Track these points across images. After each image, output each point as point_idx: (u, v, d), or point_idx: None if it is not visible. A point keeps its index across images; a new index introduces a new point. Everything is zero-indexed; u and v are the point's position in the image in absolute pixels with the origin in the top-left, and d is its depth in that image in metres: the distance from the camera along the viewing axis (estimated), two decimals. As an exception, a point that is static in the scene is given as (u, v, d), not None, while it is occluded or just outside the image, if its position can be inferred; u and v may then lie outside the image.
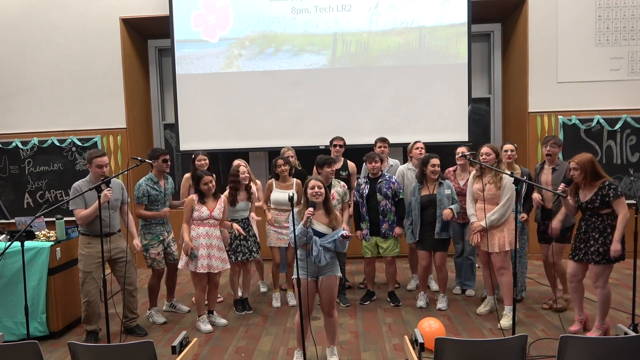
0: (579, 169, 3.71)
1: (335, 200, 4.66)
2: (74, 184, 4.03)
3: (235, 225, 4.46)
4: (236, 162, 4.81)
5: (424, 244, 4.65)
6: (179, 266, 4.31)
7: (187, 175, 4.98)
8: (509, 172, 3.99)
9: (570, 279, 3.95)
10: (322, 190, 3.45)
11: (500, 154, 4.25)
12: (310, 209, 3.35)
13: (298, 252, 3.40)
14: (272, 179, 4.91)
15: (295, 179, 4.90)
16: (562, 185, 3.81)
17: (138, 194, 4.38)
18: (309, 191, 3.44)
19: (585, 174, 3.70)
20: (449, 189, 4.56)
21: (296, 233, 3.34)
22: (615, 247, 3.62)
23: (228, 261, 4.40)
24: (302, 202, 3.58)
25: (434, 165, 4.54)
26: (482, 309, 4.52)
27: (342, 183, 4.85)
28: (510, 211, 4.15)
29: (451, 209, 4.46)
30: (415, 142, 5.18)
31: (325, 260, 3.39)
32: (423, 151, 5.07)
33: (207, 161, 4.90)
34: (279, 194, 4.77)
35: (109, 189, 3.80)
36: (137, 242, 4.28)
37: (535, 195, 4.39)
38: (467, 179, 4.77)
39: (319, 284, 3.46)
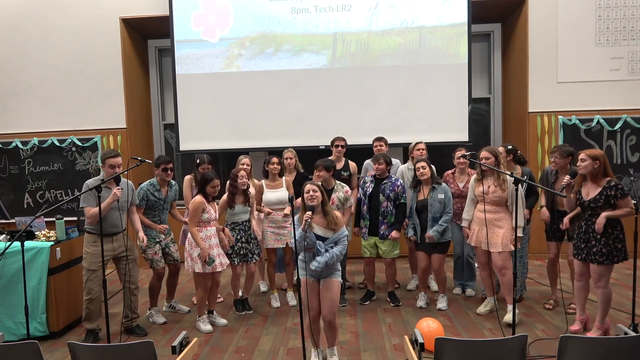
0: (587, 159, 3.66)
1: (335, 205, 4.63)
2: (86, 182, 4.06)
3: (227, 231, 4.50)
4: (241, 158, 4.89)
5: (422, 246, 4.65)
6: (196, 269, 4.23)
7: (189, 177, 4.97)
8: (509, 173, 3.98)
9: (578, 278, 3.94)
10: (318, 193, 3.43)
11: (499, 157, 4.25)
12: (309, 212, 3.36)
13: (301, 254, 3.41)
14: (262, 180, 4.91)
15: (284, 178, 4.92)
16: (567, 177, 3.77)
17: (137, 197, 4.39)
18: (305, 195, 3.45)
19: (600, 167, 3.64)
20: (443, 194, 4.55)
21: (297, 238, 3.34)
22: (600, 221, 3.61)
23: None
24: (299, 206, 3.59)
25: (418, 169, 4.58)
26: (482, 309, 4.53)
27: (346, 188, 4.78)
28: (524, 208, 4.23)
29: (431, 235, 4.51)
30: (417, 143, 5.16)
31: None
32: (424, 152, 5.07)
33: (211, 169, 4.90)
34: (270, 194, 4.80)
35: (119, 188, 3.86)
36: (142, 234, 4.25)
37: (544, 212, 4.44)
38: (466, 181, 4.79)
39: (321, 287, 3.46)
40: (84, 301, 4.11)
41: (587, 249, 3.77)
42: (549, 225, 4.52)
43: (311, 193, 3.42)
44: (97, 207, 3.91)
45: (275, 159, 4.80)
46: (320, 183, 3.83)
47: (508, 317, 4.16)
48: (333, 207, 4.64)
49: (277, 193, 4.81)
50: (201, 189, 4.28)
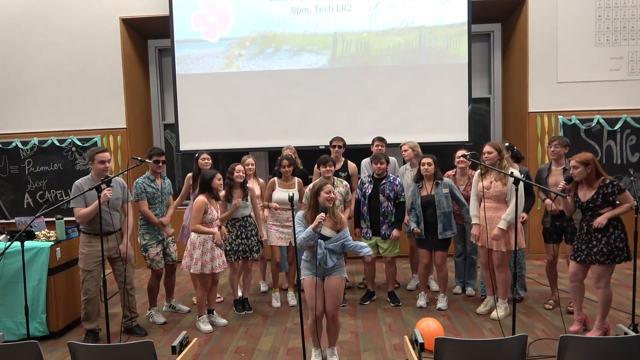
0: (579, 167, 3.69)
1: (337, 200, 4.65)
2: (75, 182, 4.03)
3: (219, 232, 4.27)
4: (245, 158, 4.95)
5: (425, 243, 4.65)
6: (193, 271, 4.21)
7: (190, 175, 4.98)
8: (510, 172, 3.98)
9: (571, 278, 3.94)
10: (336, 194, 3.46)
11: (502, 151, 4.25)
12: (322, 214, 3.35)
13: (304, 253, 3.41)
14: (275, 177, 4.92)
15: (297, 179, 4.91)
16: (562, 183, 3.77)
17: (137, 191, 4.40)
18: (324, 195, 3.42)
19: (592, 170, 3.67)
20: (447, 188, 4.55)
21: (305, 236, 3.35)
22: (601, 220, 3.62)
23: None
24: (305, 202, 3.58)
25: (423, 165, 4.58)
26: (482, 308, 4.53)
27: (345, 182, 4.86)
28: (522, 208, 4.23)
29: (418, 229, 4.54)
30: (402, 145, 5.20)
31: (332, 262, 3.40)
32: (406, 153, 5.12)
33: (210, 161, 4.93)
34: (281, 194, 4.77)
35: (109, 188, 3.80)
36: (122, 247, 4.15)
37: (548, 202, 4.43)
38: (467, 183, 4.80)
39: (325, 284, 3.46)
40: (82, 302, 4.11)
41: (588, 249, 3.75)
42: (547, 226, 4.52)
43: (332, 194, 3.43)
44: (87, 208, 3.91)
45: (286, 162, 4.80)
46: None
47: (494, 315, 4.29)
48: (336, 202, 4.68)
49: (288, 193, 4.78)
50: (205, 187, 4.22)
